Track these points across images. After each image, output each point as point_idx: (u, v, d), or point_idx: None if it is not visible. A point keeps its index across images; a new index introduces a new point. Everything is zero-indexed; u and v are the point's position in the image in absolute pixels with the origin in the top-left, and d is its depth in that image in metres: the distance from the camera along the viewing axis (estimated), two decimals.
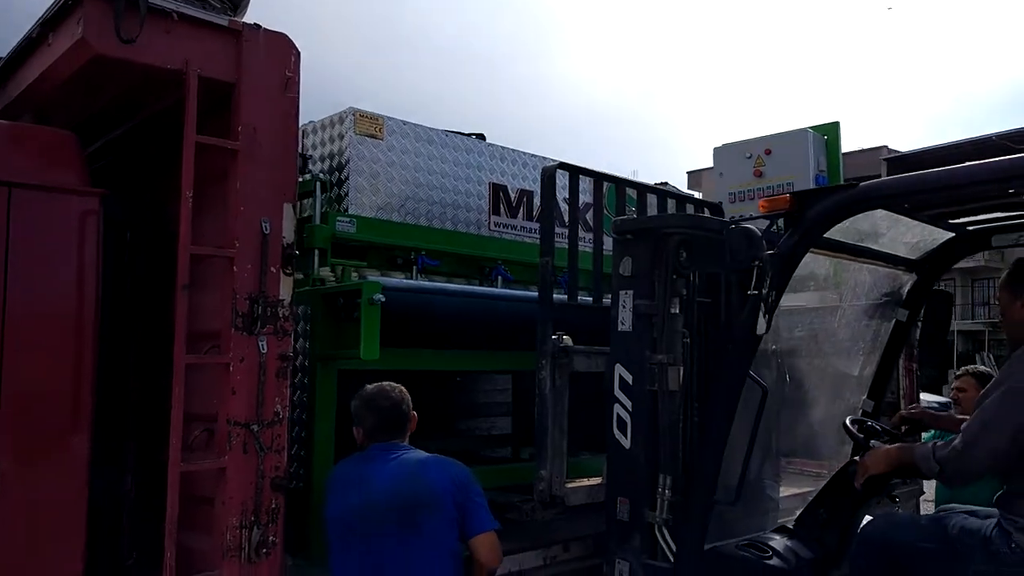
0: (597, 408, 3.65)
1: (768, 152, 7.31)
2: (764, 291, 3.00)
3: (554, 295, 3.87)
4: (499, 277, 4.88)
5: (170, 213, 3.14)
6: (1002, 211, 3.53)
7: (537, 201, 5.21)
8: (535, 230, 5.26)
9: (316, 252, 4.05)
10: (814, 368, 5.84)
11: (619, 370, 3.57)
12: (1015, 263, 3.20)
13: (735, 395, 3.20)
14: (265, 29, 3.14)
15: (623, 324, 3.60)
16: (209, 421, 3.08)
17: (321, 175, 4.29)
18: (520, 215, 5.11)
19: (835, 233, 3.70)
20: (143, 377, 3.54)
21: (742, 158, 7.30)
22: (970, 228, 3.75)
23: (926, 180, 3.10)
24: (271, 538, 3.04)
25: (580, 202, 4.37)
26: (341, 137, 4.31)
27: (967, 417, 3.00)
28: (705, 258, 3.59)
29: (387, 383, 3.20)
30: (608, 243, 3.87)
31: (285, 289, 3.11)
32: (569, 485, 3.85)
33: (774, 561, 3.26)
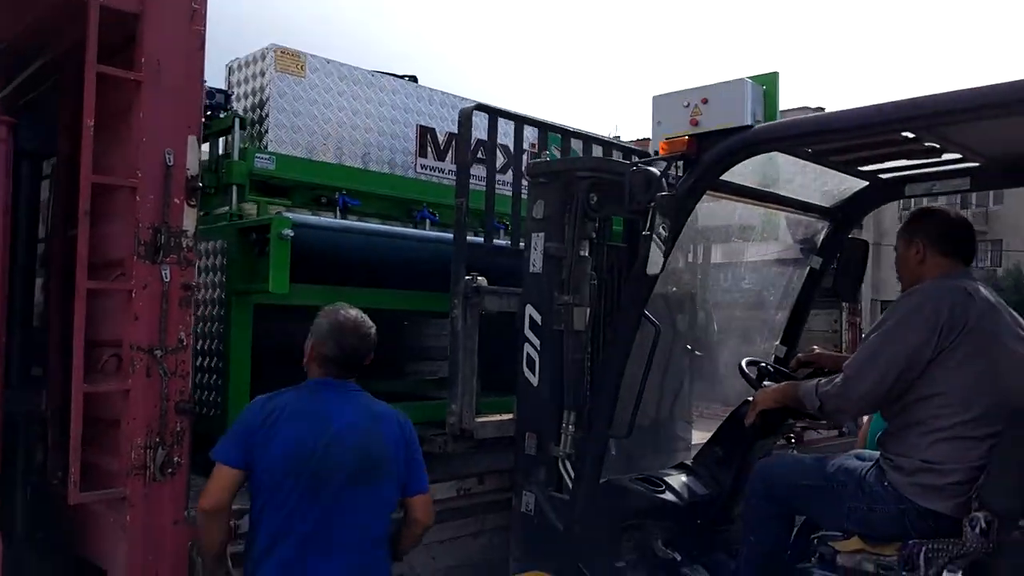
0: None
1: (705, 101, 7.38)
2: (659, 232, 3.05)
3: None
4: (426, 220, 4.97)
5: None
6: (912, 159, 3.55)
7: None
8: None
9: (234, 188, 4.11)
10: (733, 316, 6.01)
11: (529, 310, 3.70)
12: (913, 212, 3.29)
13: (630, 333, 3.28)
14: None
15: (534, 266, 3.70)
16: (117, 347, 3.17)
17: (242, 112, 4.33)
18: (449, 158, 5.18)
19: (749, 180, 3.80)
20: (59, 305, 3.63)
21: (679, 107, 7.37)
22: (883, 176, 3.80)
23: (818, 121, 3.17)
24: (176, 459, 3.15)
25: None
26: (263, 74, 4.36)
27: None
28: (613, 201, 3.62)
29: (365, 316, 2.97)
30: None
31: (189, 220, 3.18)
32: (479, 420, 3.97)
33: (667, 495, 3.37)
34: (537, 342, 3.65)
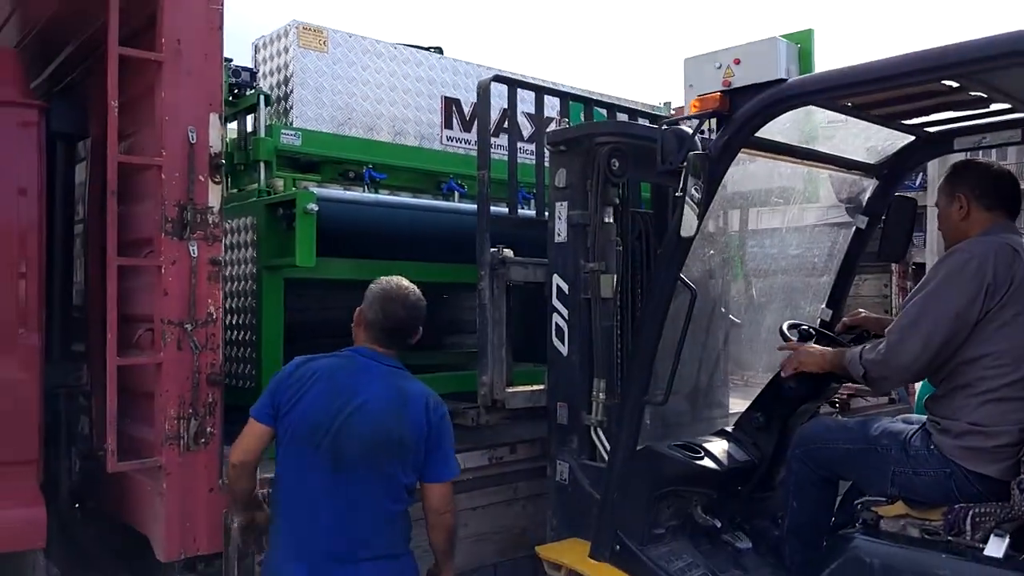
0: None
1: (737, 62, 7.25)
2: (692, 193, 2.92)
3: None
4: (454, 192, 5.01)
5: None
6: (959, 110, 3.36)
7: (492, 115, 5.30)
8: (492, 145, 5.37)
9: (262, 164, 4.19)
10: (775, 282, 5.92)
11: (556, 280, 3.67)
12: (953, 165, 3.14)
13: (666, 298, 3.17)
14: None
15: (559, 235, 3.67)
16: (149, 322, 3.28)
17: (268, 90, 4.40)
18: (475, 130, 5.19)
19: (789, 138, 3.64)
20: (99, 283, 3.75)
21: (711, 68, 7.26)
22: (929, 130, 3.64)
23: (856, 71, 2.89)
24: (209, 429, 3.26)
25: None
26: (286, 51, 4.41)
27: None
28: (636, 166, 3.61)
29: (416, 290, 2.93)
30: None
31: (214, 197, 3.27)
32: (510, 390, 3.99)
33: (705, 461, 3.29)
34: (565, 312, 3.64)
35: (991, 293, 2.70)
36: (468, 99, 5.17)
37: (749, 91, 3.07)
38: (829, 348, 3.26)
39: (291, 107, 4.32)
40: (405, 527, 2.84)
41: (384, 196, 4.50)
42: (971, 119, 3.47)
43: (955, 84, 2.95)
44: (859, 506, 2.98)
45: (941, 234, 3.12)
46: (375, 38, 4.71)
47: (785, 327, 3.53)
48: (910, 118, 3.49)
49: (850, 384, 3.83)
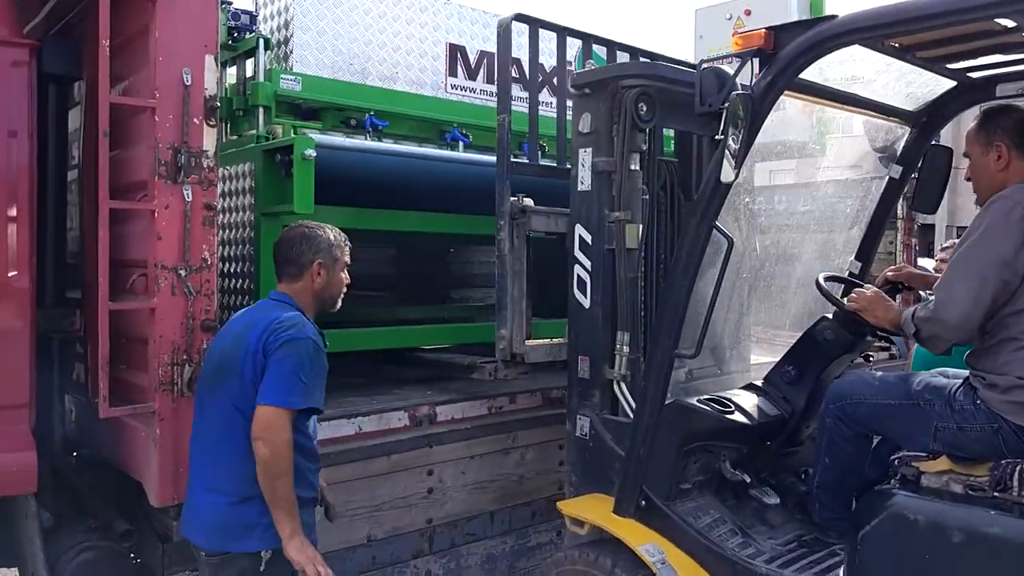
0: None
1: (748, 13, 7.08)
2: (733, 137, 2.80)
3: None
4: (459, 142, 4.92)
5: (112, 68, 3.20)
6: (1008, 53, 3.23)
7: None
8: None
9: (261, 110, 4.11)
10: (806, 234, 5.80)
11: (579, 230, 3.55)
12: (986, 111, 3.01)
13: (701, 247, 3.07)
14: None
15: (582, 183, 3.54)
16: (143, 267, 3.23)
17: (268, 33, 4.31)
18: (480, 77, 5.11)
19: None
20: (93, 228, 3.69)
21: (722, 20, 7.09)
22: (972, 76, 3.49)
23: (912, 7, 2.78)
24: None
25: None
26: None
27: None
28: (665, 111, 3.48)
29: (308, 222, 2.98)
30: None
31: (209, 140, 3.19)
32: (530, 343, 3.93)
33: (736, 416, 3.25)
34: (588, 263, 3.53)
35: None
36: (473, 46, 5.07)
37: (795, 28, 2.92)
38: (894, 304, 3.14)
39: (291, 52, 4.23)
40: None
41: (387, 144, 4.42)
42: (1014, 64, 3.34)
43: (1011, 24, 2.79)
44: (895, 462, 2.92)
45: (974, 187, 2.97)
46: None
47: (822, 279, 3.42)
48: (955, 61, 3.35)
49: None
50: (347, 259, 2.95)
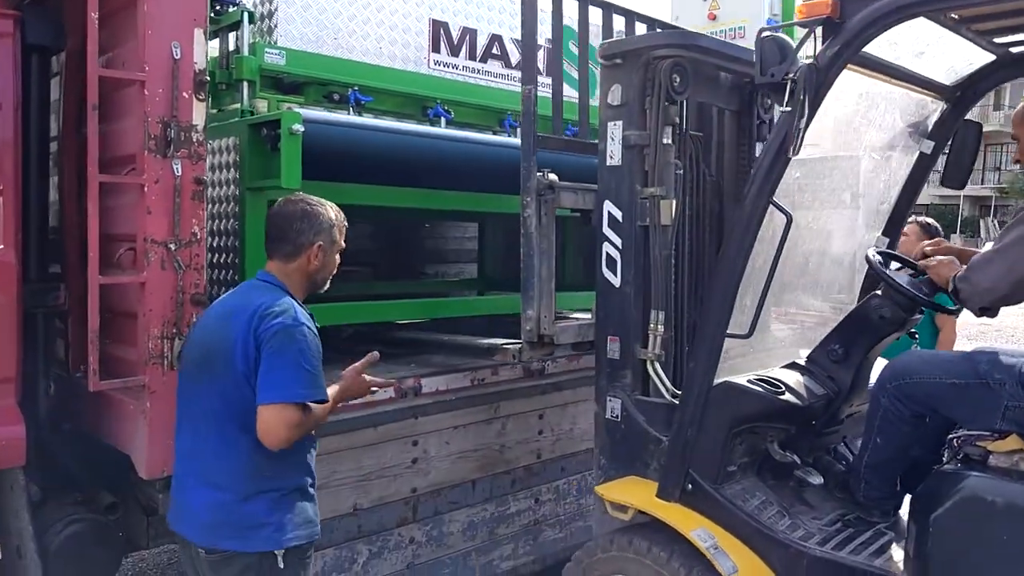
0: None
1: None
2: (799, 108, 2.73)
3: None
4: (441, 118, 4.92)
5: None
6: None
7: (481, 40, 5.20)
8: (480, 71, 5.28)
9: (245, 84, 4.09)
10: (831, 210, 5.76)
11: (608, 207, 3.44)
12: None
13: (756, 222, 2.98)
14: None
15: (611, 158, 3.42)
16: (132, 241, 3.23)
17: (251, 6, 4.27)
18: (463, 54, 5.10)
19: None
20: (75, 202, 3.67)
21: (698, 1, 7.19)
22: (1013, 51, 3.45)
23: None
24: None
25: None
26: None
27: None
28: (700, 82, 3.41)
29: (308, 197, 2.78)
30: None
31: (198, 114, 3.20)
32: (560, 324, 3.82)
33: (787, 396, 3.17)
34: (618, 240, 3.42)
35: None
36: (456, 23, 5.05)
37: None
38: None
39: (275, 25, 4.19)
40: (261, 464, 2.54)
41: (372, 120, 4.41)
42: None
43: None
44: (956, 441, 2.90)
45: (1022, 166, 3.02)
46: None
47: (871, 254, 3.35)
48: (1003, 36, 3.34)
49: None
50: (343, 242, 2.81)
